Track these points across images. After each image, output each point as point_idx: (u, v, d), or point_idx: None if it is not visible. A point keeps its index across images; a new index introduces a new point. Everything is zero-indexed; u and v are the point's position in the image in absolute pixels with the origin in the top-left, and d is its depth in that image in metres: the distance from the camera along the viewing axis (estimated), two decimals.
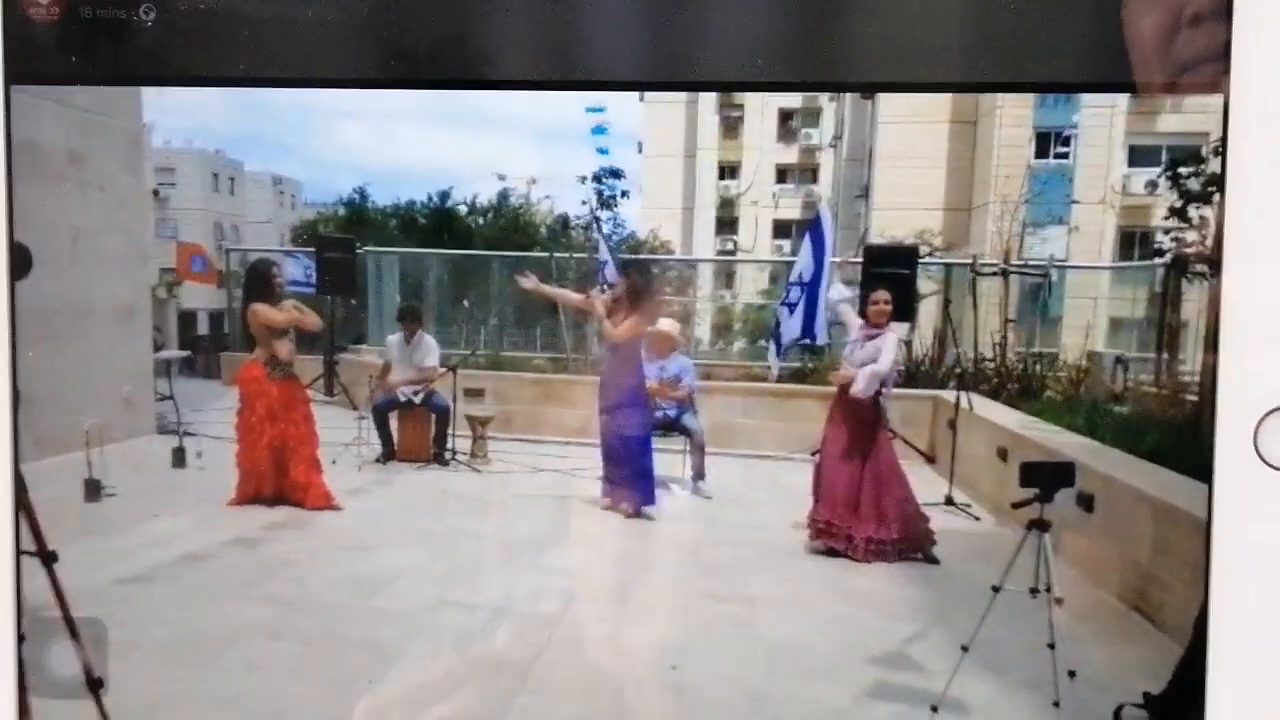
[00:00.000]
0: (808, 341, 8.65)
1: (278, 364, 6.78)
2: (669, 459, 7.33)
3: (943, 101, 8.38)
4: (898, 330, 6.75)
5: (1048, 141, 8.57)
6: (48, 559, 2.88)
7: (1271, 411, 1.86)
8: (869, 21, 1.80)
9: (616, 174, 8.55)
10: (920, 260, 8.38)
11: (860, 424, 6.24)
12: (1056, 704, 4.05)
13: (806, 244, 8.58)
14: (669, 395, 7.41)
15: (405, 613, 5.03)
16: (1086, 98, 8.07)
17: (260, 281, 7.08)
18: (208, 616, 4.86)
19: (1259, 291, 1.81)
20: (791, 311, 8.41)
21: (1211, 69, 1.74)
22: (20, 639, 2.26)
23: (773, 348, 8.97)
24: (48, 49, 2.08)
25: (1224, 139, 1.69)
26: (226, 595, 5.16)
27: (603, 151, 8.34)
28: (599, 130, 8.32)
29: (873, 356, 6.26)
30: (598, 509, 6.72)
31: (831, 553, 6.05)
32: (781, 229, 9.77)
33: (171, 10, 2.05)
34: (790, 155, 9.41)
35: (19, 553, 2.27)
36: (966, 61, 1.82)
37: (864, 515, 6.10)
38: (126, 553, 5.59)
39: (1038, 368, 9.13)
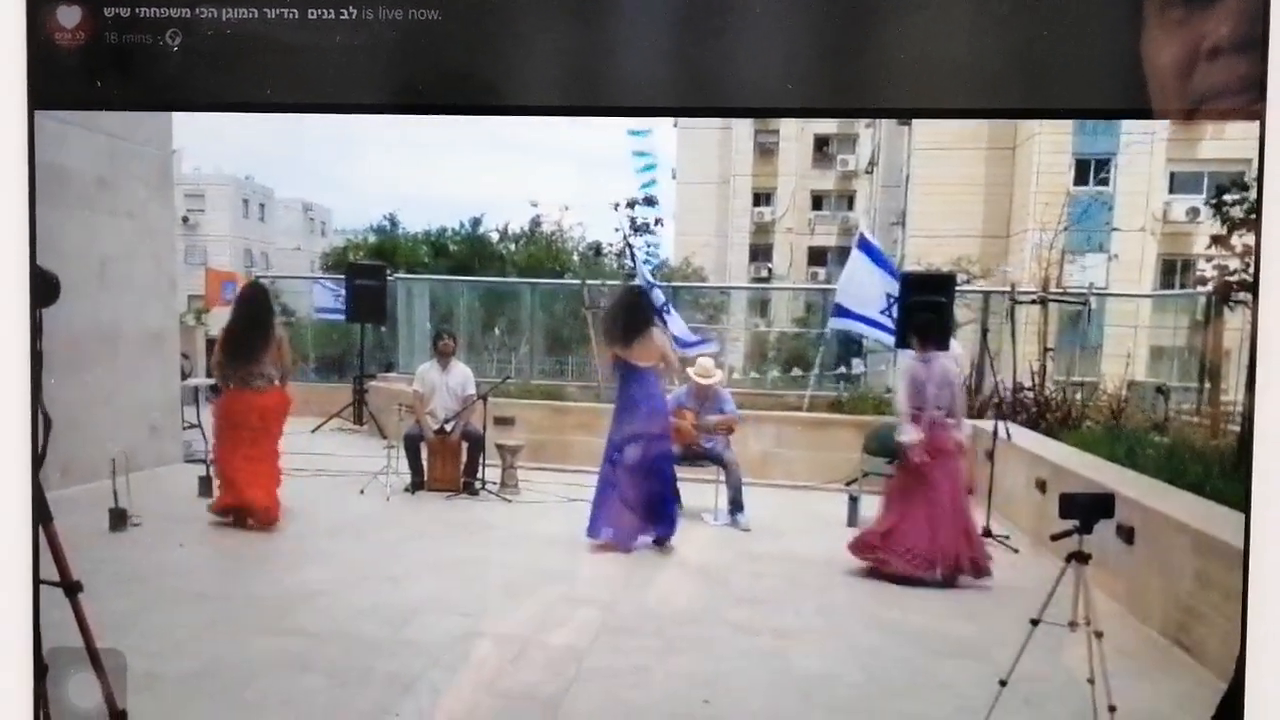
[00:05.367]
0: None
1: None
2: (701, 490, 7.24)
3: (980, 128, 8.29)
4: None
5: (1087, 168, 8.45)
6: (72, 589, 2.83)
7: None
8: (905, 47, 1.74)
9: (650, 201, 8.48)
10: (957, 288, 8.28)
11: None
12: None
13: (871, 268, 8.53)
14: (719, 431, 7.28)
15: (434, 644, 4.96)
16: (1126, 124, 7.99)
17: None
18: (232, 648, 4.80)
19: None
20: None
21: (1230, 101, 1.66)
22: (43, 669, 2.21)
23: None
24: (72, 74, 2.04)
25: (1260, 170, 1.62)
26: (251, 626, 5.11)
27: (648, 169, 8.24)
28: (643, 154, 8.22)
29: None
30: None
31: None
32: (817, 256, 9.64)
33: (198, 35, 2.00)
34: (827, 181, 9.29)
35: (38, 582, 2.22)
36: (1001, 86, 1.76)
37: None
38: (151, 582, 5.56)
39: (1077, 397, 9.02)
